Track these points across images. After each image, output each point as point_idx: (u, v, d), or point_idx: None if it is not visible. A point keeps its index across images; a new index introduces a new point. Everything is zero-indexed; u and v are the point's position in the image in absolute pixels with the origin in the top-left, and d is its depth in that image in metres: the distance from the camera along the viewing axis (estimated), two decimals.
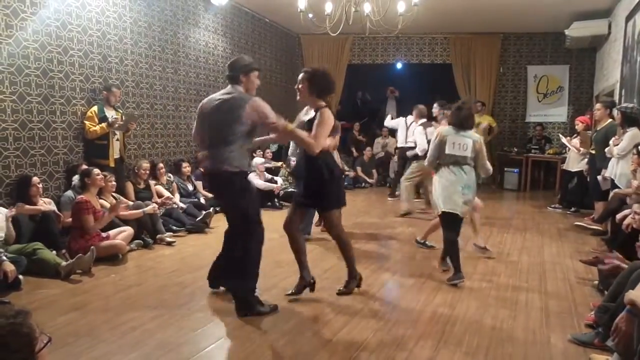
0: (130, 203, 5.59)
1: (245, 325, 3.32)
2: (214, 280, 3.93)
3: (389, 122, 8.89)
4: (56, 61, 5.30)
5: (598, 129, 6.36)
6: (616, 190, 5.40)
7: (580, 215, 7.13)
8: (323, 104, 3.63)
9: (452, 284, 4.15)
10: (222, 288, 3.91)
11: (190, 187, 7.04)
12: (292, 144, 5.80)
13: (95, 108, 5.59)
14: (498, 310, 3.64)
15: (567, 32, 9.05)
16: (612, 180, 5.59)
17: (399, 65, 12.02)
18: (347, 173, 10.24)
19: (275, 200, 7.81)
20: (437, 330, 3.27)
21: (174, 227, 5.98)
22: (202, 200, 6.88)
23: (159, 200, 6.09)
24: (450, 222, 4.27)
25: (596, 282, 4.11)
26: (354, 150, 11.22)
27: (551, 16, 9.07)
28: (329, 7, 6.20)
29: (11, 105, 4.84)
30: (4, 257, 3.87)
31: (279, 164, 8.87)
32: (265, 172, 8.01)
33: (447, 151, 4.21)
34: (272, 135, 3.70)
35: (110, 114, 5.68)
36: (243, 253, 3.48)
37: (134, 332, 3.17)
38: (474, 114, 4.47)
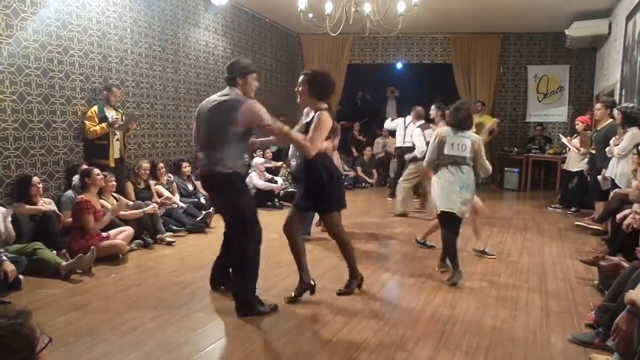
0: (131, 203, 5.59)
1: (245, 325, 3.32)
2: (215, 282, 3.95)
3: (388, 124, 8.93)
4: (56, 61, 5.30)
5: (598, 128, 6.37)
6: (617, 190, 5.40)
7: (581, 215, 7.13)
8: (324, 105, 3.61)
9: (452, 283, 4.16)
10: (222, 287, 3.91)
11: (191, 187, 7.04)
12: (292, 145, 5.80)
13: (95, 108, 5.59)
14: (498, 310, 3.64)
15: (567, 32, 9.05)
16: (613, 180, 5.59)
17: (399, 65, 12.02)
18: (347, 173, 10.26)
19: (276, 200, 7.82)
20: (437, 330, 3.27)
21: (174, 227, 5.98)
22: (202, 200, 6.88)
23: (159, 200, 6.09)
24: (449, 222, 4.29)
25: (596, 282, 4.11)
26: (354, 150, 11.22)
27: (551, 16, 9.07)
28: (329, 7, 6.19)
29: (11, 105, 4.83)
30: (4, 257, 3.87)
31: (279, 164, 8.88)
32: (265, 172, 8.01)
33: (446, 152, 4.23)
34: (271, 138, 3.70)
35: (111, 113, 5.68)
36: (240, 253, 3.49)
37: (134, 332, 3.18)
38: (472, 115, 4.48)
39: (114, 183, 5.42)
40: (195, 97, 7.70)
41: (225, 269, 3.86)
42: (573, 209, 7.74)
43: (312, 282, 3.82)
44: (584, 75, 10.67)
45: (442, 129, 4.47)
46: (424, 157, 4.89)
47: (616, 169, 5.50)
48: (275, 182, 8.02)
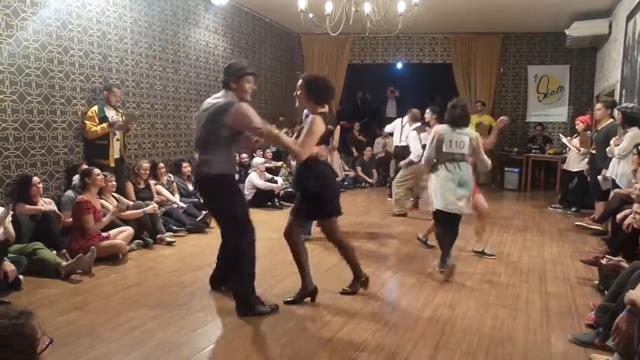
0: (131, 203, 5.59)
1: (245, 325, 3.32)
2: (215, 281, 3.96)
3: (389, 128, 8.95)
4: (56, 61, 5.30)
5: (599, 128, 6.37)
6: (617, 190, 5.40)
7: (581, 215, 7.14)
8: (320, 110, 3.58)
9: (441, 271, 4.19)
10: (222, 288, 3.91)
11: (191, 187, 7.03)
12: None
13: (95, 108, 5.59)
14: (498, 310, 3.64)
15: (567, 32, 9.05)
16: (613, 180, 5.59)
17: (399, 65, 12.02)
18: (347, 173, 10.26)
19: (276, 200, 7.81)
20: (437, 330, 3.28)
21: (174, 227, 5.98)
22: (202, 200, 6.88)
23: (158, 200, 6.09)
24: (444, 220, 4.30)
25: (596, 282, 4.11)
26: (354, 150, 11.22)
27: (551, 16, 9.07)
28: (329, 7, 6.19)
29: (11, 105, 4.83)
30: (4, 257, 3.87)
31: (279, 163, 8.88)
32: (265, 172, 8.01)
33: (444, 149, 4.28)
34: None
35: (111, 113, 5.68)
36: (235, 253, 3.50)
37: (134, 332, 3.18)
38: (468, 112, 4.49)
39: (114, 183, 5.43)
40: (195, 97, 7.71)
41: (224, 269, 3.86)
42: (573, 209, 7.74)
43: (314, 289, 3.75)
44: (584, 75, 10.66)
45: (440, 126, 4.49)
46: (419, 161, 4.91)
47: (617, 169, 5.50)
48: (275, 182, 8.02)
